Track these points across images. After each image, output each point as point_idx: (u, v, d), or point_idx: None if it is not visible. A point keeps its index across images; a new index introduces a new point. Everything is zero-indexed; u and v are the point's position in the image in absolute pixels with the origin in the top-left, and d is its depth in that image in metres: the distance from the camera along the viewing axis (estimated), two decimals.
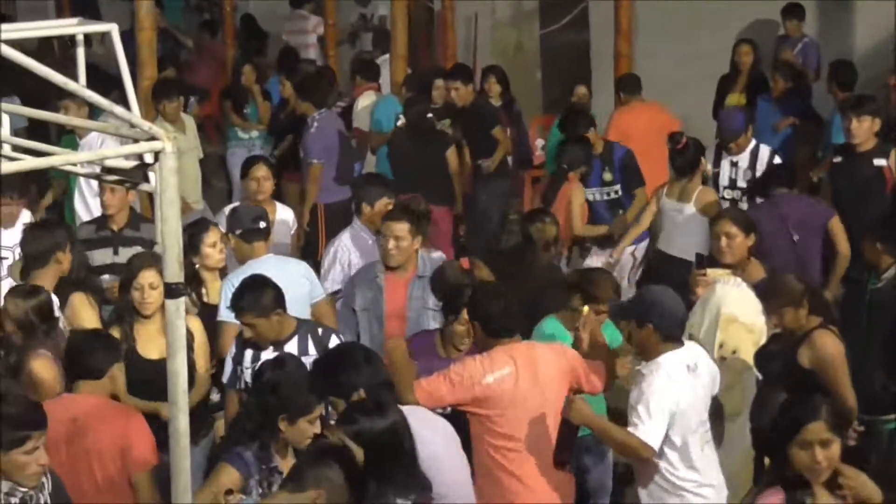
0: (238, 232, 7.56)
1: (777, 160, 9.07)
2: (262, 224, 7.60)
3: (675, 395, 5.77)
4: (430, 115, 10.58)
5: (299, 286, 7.30)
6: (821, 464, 4.52)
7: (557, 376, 6.03)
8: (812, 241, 8.36)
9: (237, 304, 6.54)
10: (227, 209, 8.64)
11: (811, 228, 8.39)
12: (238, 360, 6.73)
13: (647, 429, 5.68)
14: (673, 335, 5.89)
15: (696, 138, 9.12)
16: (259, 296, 6.51)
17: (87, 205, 9.47)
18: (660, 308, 5.86)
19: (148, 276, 6.78)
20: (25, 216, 8.39)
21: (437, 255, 8.06)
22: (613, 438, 5.84)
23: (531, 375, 5.96)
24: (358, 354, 5.59)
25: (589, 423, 5.82)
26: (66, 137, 9.80)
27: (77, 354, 5.83)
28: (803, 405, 4.65)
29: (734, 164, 9.17)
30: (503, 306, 6.10)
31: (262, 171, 8.67)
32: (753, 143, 9.24)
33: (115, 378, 5.81)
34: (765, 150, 9.21)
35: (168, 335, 4.23)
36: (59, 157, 4.27)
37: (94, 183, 8.64)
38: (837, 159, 8.98)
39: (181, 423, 4.26)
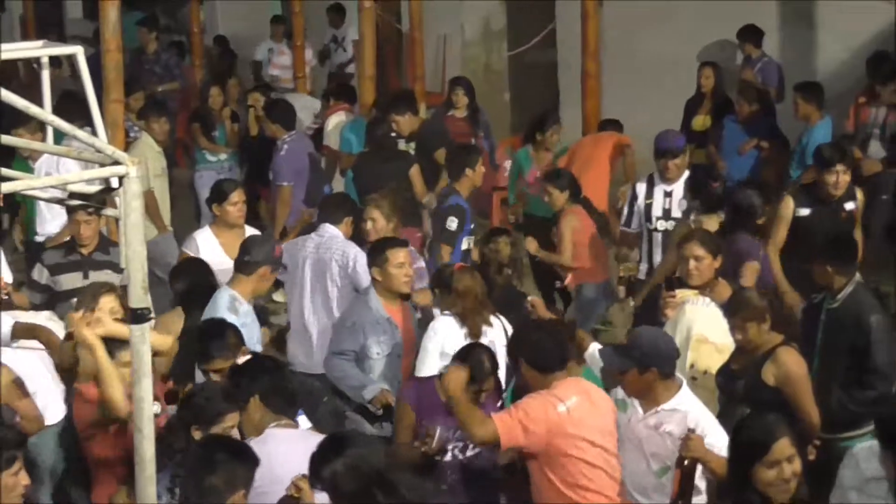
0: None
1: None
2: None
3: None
4: (392, 134, 10.57)
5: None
6: (789, 479, 4.57)
7: (610, 410, 5.94)
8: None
9: (205, 352, 6.41)
10: (198, 234, 8.65)
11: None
12: None
13: None
14: (671, 373, 5.94)
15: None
16: (225, 339, 6.44)
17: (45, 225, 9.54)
18: (659, 351, 5.92)
19: (108, 301, 6.71)
20: None
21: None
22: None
23: (591, 406, 5.82)
24: (266, 363, 5.74)
25: (704, 457, 5.71)
26: (18, 163, 9.73)
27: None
28: (763, 425, 4.66)
29: (668, 195, 9.01)
30: (553, 340, 5.92)
31: (240, 195, 8.71)
32: (687, 172, 9.11)
33: None
34: None
35: (133, 361, 4.19)
36: (22, 182, 4.23)
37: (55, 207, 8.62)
38: (805, 211, 8.71)
39: (147, 451, 4.21)
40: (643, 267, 9.16)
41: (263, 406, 5.65)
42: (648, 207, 9.07)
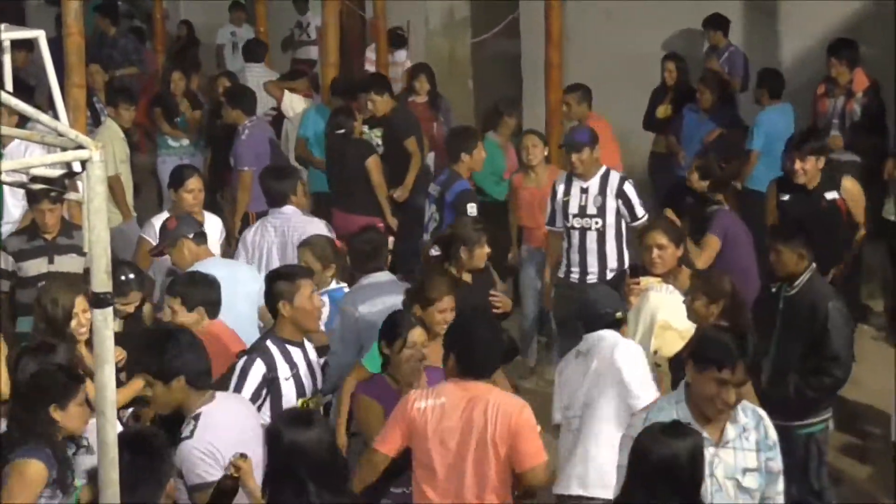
0: (191, 235, 7.67)
1: (628, 186, 8.74)
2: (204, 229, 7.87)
3: None
4: (353, 123, 10.62)
5: (248, 284, 7.52)
6: None
7: (498, 428, 5.54)
8: (739, 254, 8.49)
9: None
10: (157, 219, 8.62)
11: (742, 243, 8.58)
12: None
13: None
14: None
15: None
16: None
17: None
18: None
19: (80, 303, 6.69)
20: None
21: None
22: None
23: (464, 415, 5.56)
24: (183, 339, 5.57)
25: None
26: None
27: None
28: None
29: (584, 191, 8.75)
30: (490, 346, 5.73)
31: (197, 182, 8.71)
32: (603, 169, 8.85)
33: None
34: (615, 176, 8.84)
35: (95, 346, 4.17)
36: None
37: (19, 192, 8.57)
38: (785, 197, 8.87)
39: (109, 435, 4.20)
40: (562, 267, 8.88)
41: (188, 387, 5.47)
42: (566, 205, 8.81)
